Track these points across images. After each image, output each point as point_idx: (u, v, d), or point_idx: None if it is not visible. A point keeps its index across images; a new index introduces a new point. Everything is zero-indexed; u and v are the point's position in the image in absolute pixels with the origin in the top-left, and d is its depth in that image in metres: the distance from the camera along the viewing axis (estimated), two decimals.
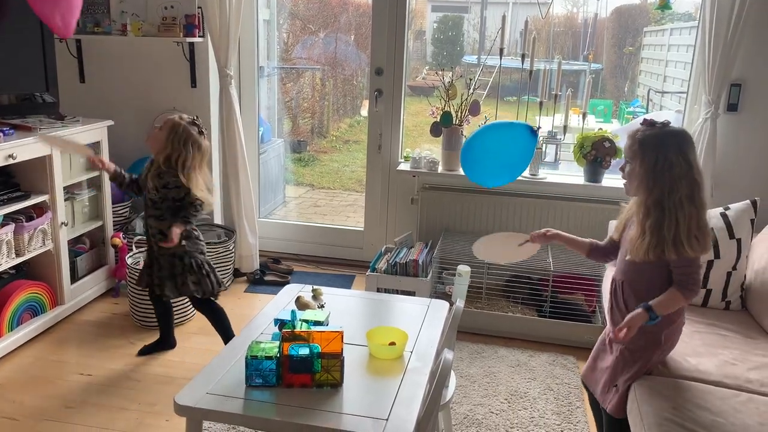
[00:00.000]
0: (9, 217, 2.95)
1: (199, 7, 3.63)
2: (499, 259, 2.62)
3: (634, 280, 2.05)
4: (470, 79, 3.64)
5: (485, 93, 3.69)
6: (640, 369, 2.07)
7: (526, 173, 3.57)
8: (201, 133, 2.73)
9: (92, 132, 3.37)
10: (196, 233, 2.84)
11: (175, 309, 3.23)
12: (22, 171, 3.05)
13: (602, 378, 2.16)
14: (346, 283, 3.90)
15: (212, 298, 2.92)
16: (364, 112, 5.30)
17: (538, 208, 3.61)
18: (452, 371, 2.11)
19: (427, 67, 5.41)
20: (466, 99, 3.56)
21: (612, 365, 2.12)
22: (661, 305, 1.94)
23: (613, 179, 3.57)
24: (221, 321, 2.93)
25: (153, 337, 3.13)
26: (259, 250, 3.97)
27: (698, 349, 2.33)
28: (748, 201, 2.70)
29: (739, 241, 2.65)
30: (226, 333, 2.93)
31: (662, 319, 1.96)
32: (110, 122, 3.50)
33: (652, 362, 2.09)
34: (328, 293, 2.46)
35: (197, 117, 2.78)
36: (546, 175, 3.59)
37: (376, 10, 3.76)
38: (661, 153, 1.91)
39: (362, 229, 4.17)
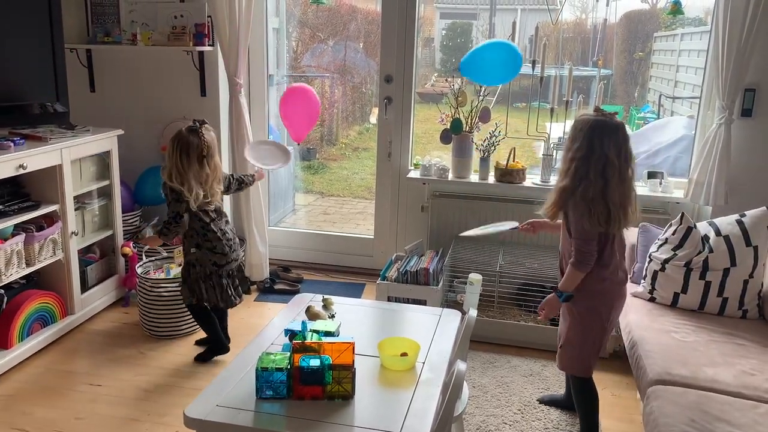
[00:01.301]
0: (19, 227, 2.95)
1: (208, 16, 3.63)
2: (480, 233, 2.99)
3: (566, 250, 2.34)
4: (480, 86, 3.62)
5: (494, 99, 3.67)
6: (570, 330, 2.36)
7: (537, 180, 3.54)
8: (192, 130, 2.76)
9: (102, 141, 3.38)
10: (209, 244, 2.87)
11: (181, 318, 3.22)
12: (33, 181, 3.05)
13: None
14: (356, 291, 3.87)
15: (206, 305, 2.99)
16: (373, 119, 5.29)
17: None
18: (465, 382, 2.08)
19: (435, 74, 5.40)
20: (476, 106, 3.54)
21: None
22: (564, 283, 2.29)
23: None
24: (207, 324, 3.03)
25: (163, 346, 3.13)
26: (269, 259, 3.96)
27: (715, 358, 2.29)
28: (764, 207, 2.65)
29: (756, 248, 2.61)
30: (213, 333, 3.03)
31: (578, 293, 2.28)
32: (120, 131, 3.50)
33: (582, 327, 2.34)
34: (339, 303, 2.44)
35: (203, 120, 2.83)
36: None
37: (385, 17, 3.75)
38: (578, 133, 2.22)
39: (372, 237, 4.15)
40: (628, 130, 2.28)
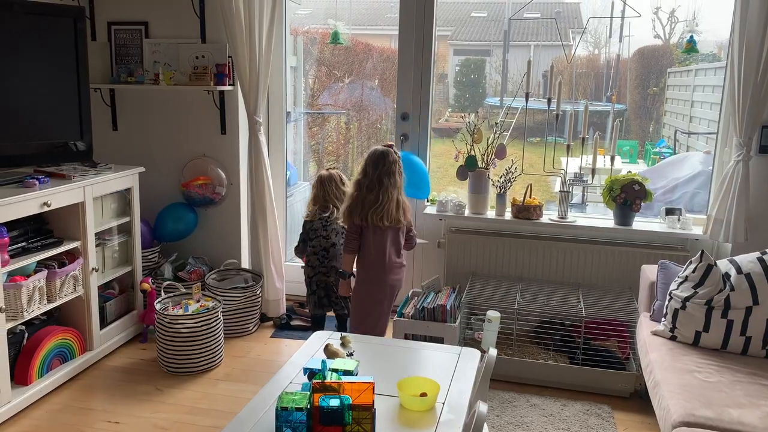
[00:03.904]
0: (41, 264, 2.99)
1: (229, 57, 3.72)
2: None
3: None
4: (495, 123, 3.65)
5: (509, 134, 3.70)
6: (351, 303, 3.20)
7: (554, 216, 3.54)
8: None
9: (124, 179, 3.43)
10: (307, 258, 3.47)
11: (199, 355, 3.23)
12: (56, 217, 3.10)
13: None
14: None
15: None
16: None
17: (567, 252, 3.57)
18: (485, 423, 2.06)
19: (449, 110, 5.45)
20: (492, 142, 3.57)
21: None
22: (343, 265, 3.14)
23: (643, 222, 3.52)
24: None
25: (180, 383, 3.12)
26: (285, 294, 3.96)
27: (740, 400, 2.24)
28: None
29: None
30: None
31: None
32: (141, 169, 3.56)
33: (354, 300, 3.15)
34: (357, 341, 2.43)
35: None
36: (575, 218, 3.56)
37: (401, 56, 3.81)
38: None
39: None
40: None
